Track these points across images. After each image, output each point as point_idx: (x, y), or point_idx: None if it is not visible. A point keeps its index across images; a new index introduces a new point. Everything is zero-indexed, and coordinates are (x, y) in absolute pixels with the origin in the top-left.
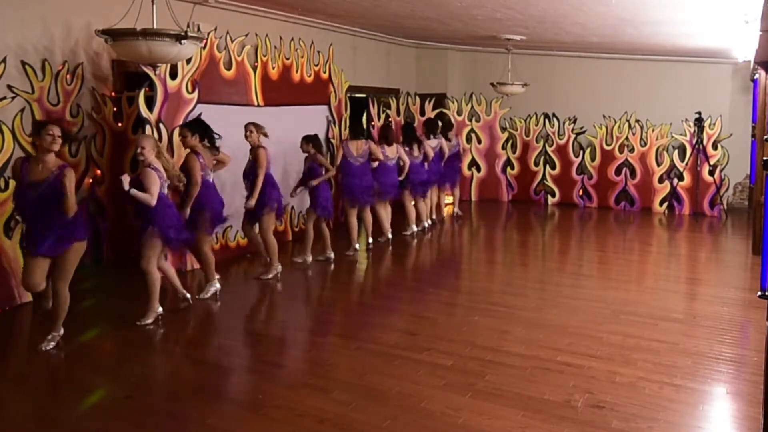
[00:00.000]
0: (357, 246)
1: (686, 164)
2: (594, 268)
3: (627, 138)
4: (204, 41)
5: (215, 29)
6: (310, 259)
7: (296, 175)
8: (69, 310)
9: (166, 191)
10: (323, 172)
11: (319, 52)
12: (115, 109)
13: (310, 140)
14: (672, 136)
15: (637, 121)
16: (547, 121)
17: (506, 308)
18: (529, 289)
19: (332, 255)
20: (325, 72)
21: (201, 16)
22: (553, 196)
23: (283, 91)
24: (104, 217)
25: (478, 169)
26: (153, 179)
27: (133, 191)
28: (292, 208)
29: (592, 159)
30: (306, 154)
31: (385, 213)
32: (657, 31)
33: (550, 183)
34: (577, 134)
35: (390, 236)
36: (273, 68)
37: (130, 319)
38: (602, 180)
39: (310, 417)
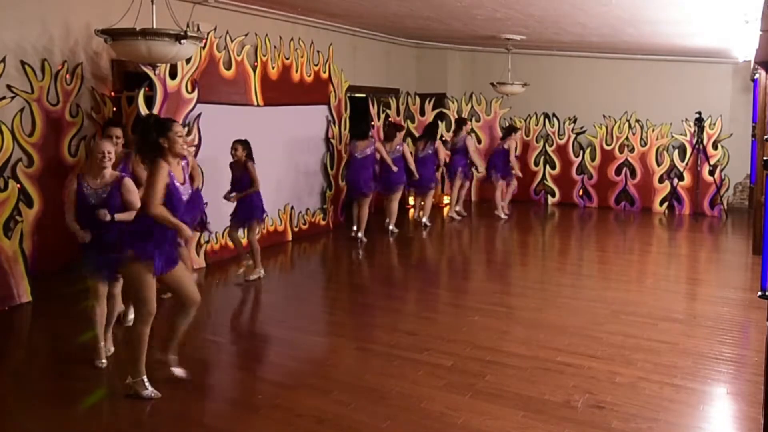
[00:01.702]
0: (358, 234)
1: (686, 164)
2: (594, 268)
3: (627, 138)
4: (203, 41)
5: (215, 29)
6: (263, 272)
7: (295, 176)
8: (68, 311)
9: None
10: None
11: (318, 51)
12: (114, 108)
13: (246, 146)
14: (672, 136)
15: (637, 120)
16: (547, 121)
17: (506, 308)
18: (529, 289)
19: (263, 272)
20: (324, 72)
21: (200, 16)
22: (553, 196)
23: (282, 90)
24: None
25: (477, 170)
26: None
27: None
28: (292, 207)
29: (592, 159)
30: (235, 159)
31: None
32: (657, 31)
33: (550, 183)
34: (577, 134)
35: (393, 230)
36: (273, 68)
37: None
38: (602, 180)
39: (309, 417)
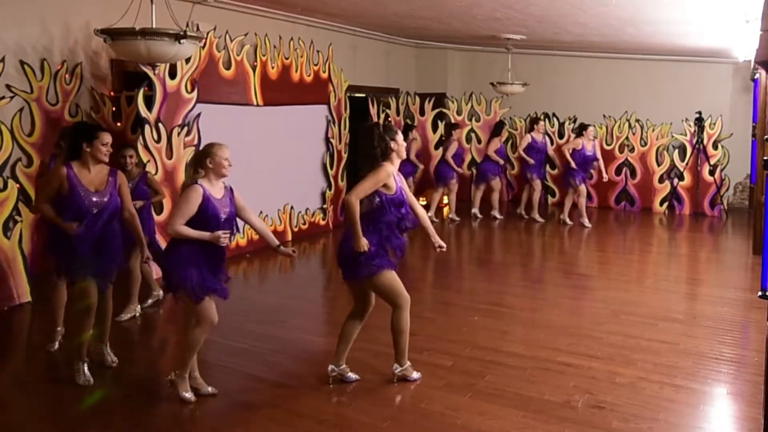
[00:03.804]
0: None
1: (686, 164)
2: (594, 268)
3: (627, 138)
4: (203, 41)
5: (214, 29)
6: (139, 308)
7: (295, 176)
8: (68, 311)
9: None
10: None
11: (318, 51)
12: (114, 108)
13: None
14: (672, 136)
15: (638, 120)
16: (547, 120)
17: (506, 308)
18: (529, 289)
19: (161, 292)
20: (324, 71)
21: (200, 16)
22: (553, 196)
23: (282, 90)
24: None
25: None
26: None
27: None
28: (292, 207)
29: None
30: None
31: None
32: (657, 31)
33: (550, 183)
34: (577, 134)
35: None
36: (272, 68)
37: (128, 319)
38: (602, 180)
39: (309, 417)
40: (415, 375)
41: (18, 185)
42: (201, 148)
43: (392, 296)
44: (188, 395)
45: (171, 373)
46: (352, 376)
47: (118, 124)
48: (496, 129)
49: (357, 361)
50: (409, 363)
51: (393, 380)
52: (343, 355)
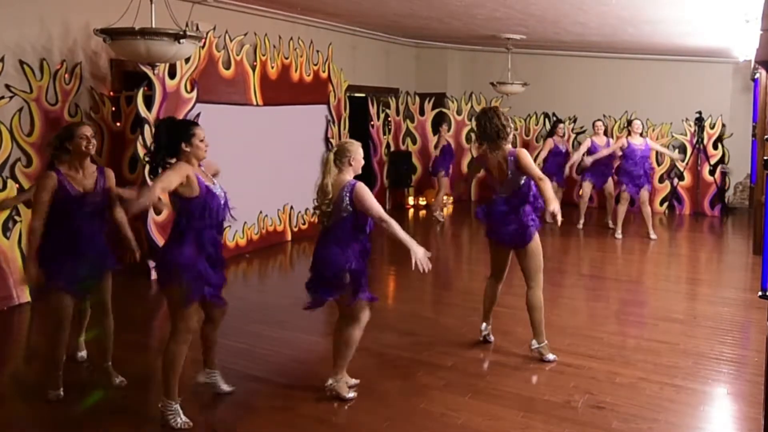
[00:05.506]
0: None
1: (686, 164)
2: (594, 268)
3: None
4: (203, 40)
5: (214, 28)
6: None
7: (294, 175)
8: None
9: None
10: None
11: (318, 51)
12: (113, 108)
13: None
14: (672, 136)
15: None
16: (547, 120)
17: (506, 308)
18: None
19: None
20: (324, 71)
21: (199, 15)
22: None
23: (282, 90)
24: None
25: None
26: None
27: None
28: (291, 207)
29: None
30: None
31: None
32: (657, 31)
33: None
34: (577, 134)
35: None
36: (272, 67)
37: (129, 320)
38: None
39: (309, 417)
40: (551, 356)
41: (17, 185)
42: (338, 145)
43: (540, 266)
44: (350, 394)
45: (329, 380)
46: (491, 337)
47: (118, 124)
48: (551, 130)
49: (357, 361)
50: (546, 342)
51: (530, 355)
52: (490, 314)
